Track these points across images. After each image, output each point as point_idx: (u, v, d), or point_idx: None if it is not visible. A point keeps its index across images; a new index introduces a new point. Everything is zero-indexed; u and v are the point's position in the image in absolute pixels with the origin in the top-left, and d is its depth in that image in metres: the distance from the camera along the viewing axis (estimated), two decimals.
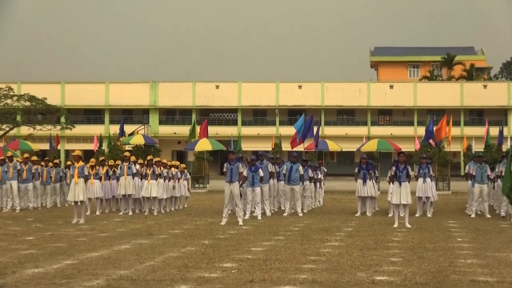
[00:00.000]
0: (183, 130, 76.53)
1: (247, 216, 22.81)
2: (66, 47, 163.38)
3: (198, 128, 52.61)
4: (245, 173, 21.26)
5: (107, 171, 26.09)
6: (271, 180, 25.29)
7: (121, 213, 24.88)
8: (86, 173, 21.34)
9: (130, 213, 24.66)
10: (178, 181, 27.48)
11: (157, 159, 26.74)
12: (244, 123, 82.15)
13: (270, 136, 71.28)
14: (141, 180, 25.51)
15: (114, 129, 67.12)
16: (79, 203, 21.55)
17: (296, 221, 21.98)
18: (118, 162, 27.18)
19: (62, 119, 70.22)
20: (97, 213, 25.11)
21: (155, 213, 24.82)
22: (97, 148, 55.24)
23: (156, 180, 25.15)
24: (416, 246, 14.95)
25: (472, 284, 10.01)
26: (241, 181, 20.51)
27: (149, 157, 26.09)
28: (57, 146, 59.65)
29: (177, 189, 27.29)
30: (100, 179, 25.22)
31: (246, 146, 70.67)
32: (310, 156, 51.57)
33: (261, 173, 22.87)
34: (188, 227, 19.44)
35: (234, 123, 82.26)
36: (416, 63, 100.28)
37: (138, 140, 50.76)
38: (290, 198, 24.81)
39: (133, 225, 19.76)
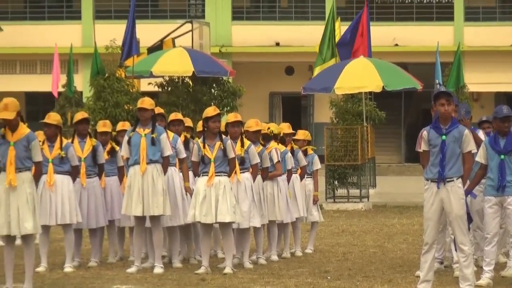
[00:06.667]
0: None
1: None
2: None
3: None
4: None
5: (93, 149, 11.38)
6: None
7: (132, 269, 9.98)
8: (39, 158, 8.68)
9: (159, 270, 9.88)
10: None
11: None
12: None
13: None
14: (194, 176, 10.34)
15: (108, 32, 23.90)
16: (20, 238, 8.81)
17: None
18: (125, 125, 11.16)
19: None
20: (67, 267, 10.13)
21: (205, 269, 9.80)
22: (64, 87, 25.17)
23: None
24: None
25: None
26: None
27: (210, 111, 9.92)
28: None
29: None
30: (73, 173, 10.12)
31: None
32: None
33: None
34: None
35: None
36: None
37: (178, 64, 20.33)
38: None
39: None
